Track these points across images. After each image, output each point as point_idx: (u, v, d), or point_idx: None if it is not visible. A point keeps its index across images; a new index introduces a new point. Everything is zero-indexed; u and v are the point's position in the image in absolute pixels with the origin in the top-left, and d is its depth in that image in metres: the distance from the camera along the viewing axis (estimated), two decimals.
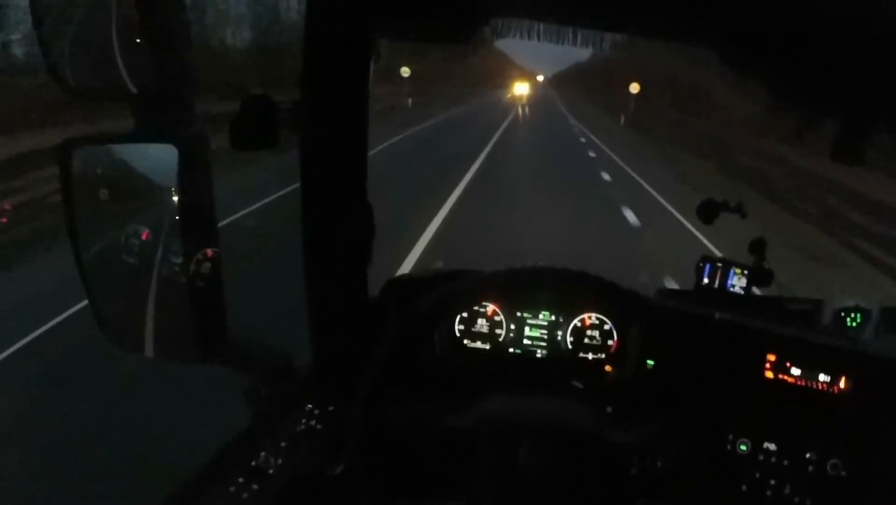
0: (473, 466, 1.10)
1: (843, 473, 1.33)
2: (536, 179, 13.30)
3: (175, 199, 0.95)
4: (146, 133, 0.97)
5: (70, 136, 1.00)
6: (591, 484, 1.09)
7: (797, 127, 1.24)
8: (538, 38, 1.09)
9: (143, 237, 1.03)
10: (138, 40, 0.92)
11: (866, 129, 1.13)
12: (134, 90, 0.94)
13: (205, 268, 0.96)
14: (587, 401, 1.21)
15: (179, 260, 0.97)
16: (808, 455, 1.35)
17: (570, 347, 1.49)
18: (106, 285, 1.07)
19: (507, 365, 1.49)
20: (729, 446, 1.37)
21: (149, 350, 1.13)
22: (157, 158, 0.96)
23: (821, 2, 0.92)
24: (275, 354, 1.23)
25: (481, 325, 1.52)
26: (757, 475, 1.36)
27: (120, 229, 1.04)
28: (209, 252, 0.96)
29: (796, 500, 1.34)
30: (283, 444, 1.15)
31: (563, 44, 1.08)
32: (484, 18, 1.10)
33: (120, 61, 0.95)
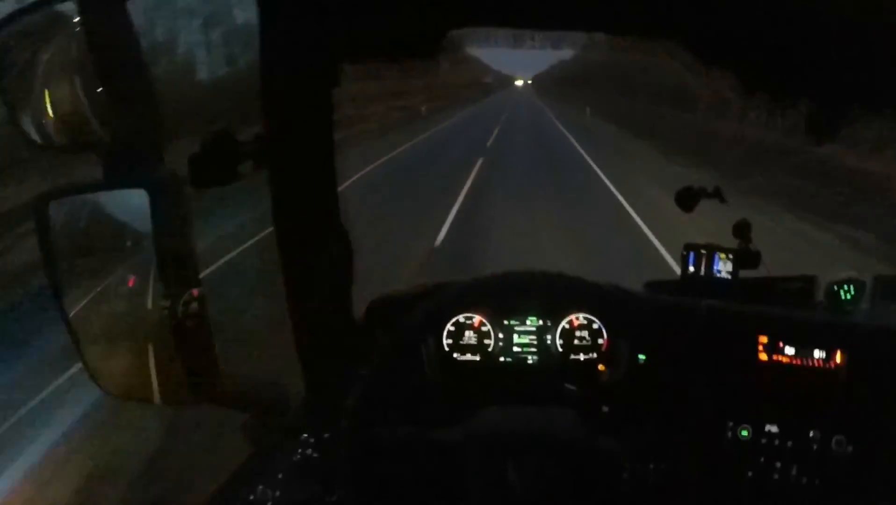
0: (465, 481, 1.09)
1: (849, 449, 1.32)
2: None
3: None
4: (117, 180, 0.97)
5: (43, 191, 1.00)
6: (582, 494, 1.08)
7: (768, 109, 1.25)
8: (497, 44, 1.10)
9: (130, 284, 1.03)
10: (100, 89, 0.92)
11: (838, 110, 1.14)
12: (102, 139, 0.94)
13: (192, 308, 0.96)
14: (582, 404, 1.20)
15: (167, 303, 0.96)
16: (811, 434, 1.34)
17: (560, 350, 1.48)
18: (97, 336, 1.07)
19: (498, 375, 1.48)
20: (730, 434, 1.36)
21: (144, 395, 1.13)
22: (132, 204, 0.96)
23: None
24: (267, 387, 1.23)
25: (469, 337, 1.51)
26: (761, 460, 1.35)
27: (106, 279, 1.03)
28: (195, 292, 0.96)
29: (804, 480, 1.33)
30: (280, 475, 1.14)
31: (521, 48, 1.09)
32: (440, 31, 1.11)
33: (85, 112, 0.95)
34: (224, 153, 1.09)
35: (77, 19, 0.91)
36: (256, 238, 7.75)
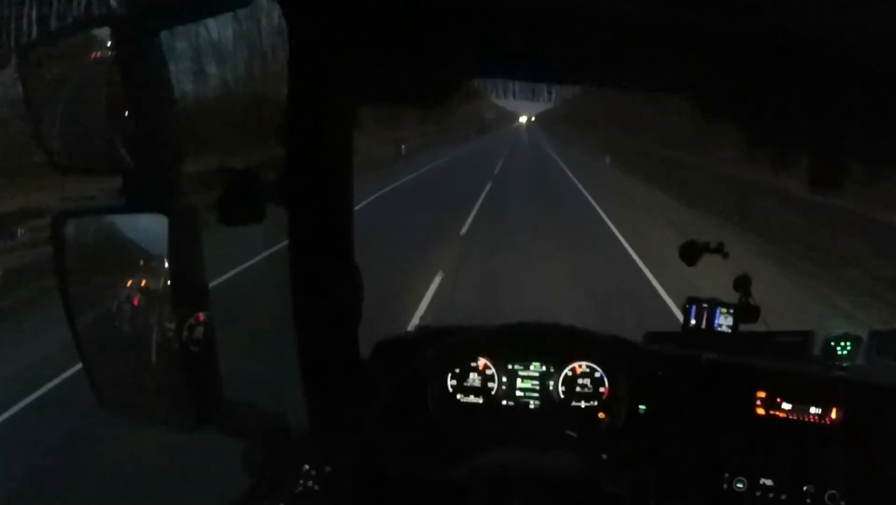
0: None
1: (842, 503, 1.33)
2: None
3: (166, 266, 0.97)
4: (137, 204, 0.99)
5: (63, 209, 1.02)
6: None
7: (773, 163, 1.28)
8: (514, 97, 1.13)
9: (135, 303, 1.04)
10: (126, 114, 0.94)
11: (841, 162, 1.17)
12: (124, 163, 0.96)
13: (197, 332, 0.97)
14: (581, 450, 1.21)
15: (173, 325, 0.97)
16: (805, 488, 1.35)
17: (562, 396, 1.49)
18: (100, 352, 1.08)
19: (500, 418, 1.49)
20: (725, 486, 1.37)
21: (143, 415, 1.14)
22: (147, 228, 0.98)
23: (790, 48, 0.96)
24: (270, 417, 1.23)
25: (473, 379, 1.52)
26: None
27: (113, 297, 1.05)
28: (201, 317, 0.97)
29: None
30: None
31: (538, 101, 1.12)
32: (458, 82, 1.14)
33: (110, 136, 0.97)
34: (250, 193, 1.12)
35: (110, 44, 0.93)
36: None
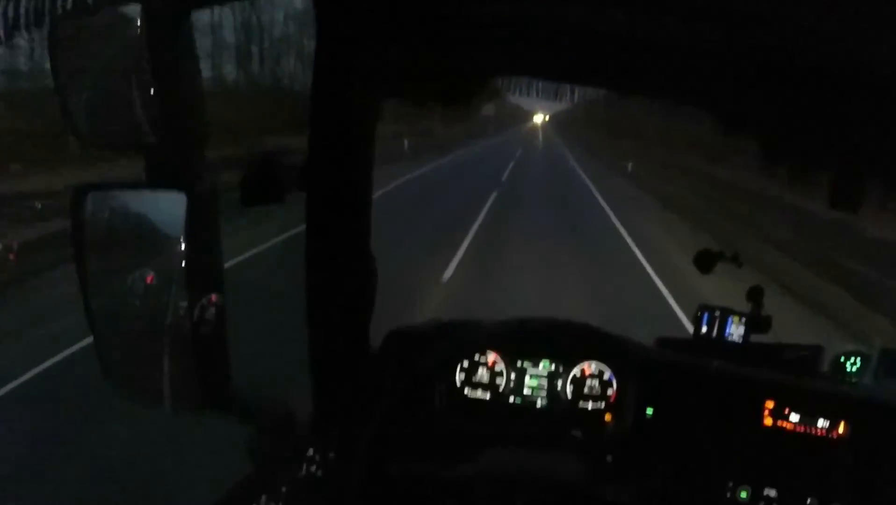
0: None
1: None
2: None
3: (182, 245, 0.97)
4: (158, 181, 1.00)
5: (83, 182, 1.03)
6: None
7: (790, 176, 1.27)
8: (537, 95, 1.13)
9: (148, 281, 1.04)
10: (153, 92, 0.95)
11: (861, 179, 1.16)
12: (148, 140, 0.97)
13: (209, 314, 0.97)
14: (587, 451, 1.21)
15: (184, 305, 0.97)
16: (808, 501, 1.34)
17: (570, 396, 1.49)
18: (111, 329, 1.08)
19: (507, 415, 1.49)
20: (729, 494, 1.37)
21: (149, 396, 1.14)
22: (166, 206, 0.98)
23: (811, 60, 0.96)
24: (276, 401, 1.24)
25: (482, 374, 1.52)
26: None
27: (127, 274, 1.05)
28: (213, 298, 0.97)
29: None
30: (283, 489, 1.15)
31: (561, 101, 1.12)
32: (484, 80, 1.14)
33: (136, 113, 0.98)
34: (272, 176, 1.12)
35: (140, 22, 0.94)
36: None
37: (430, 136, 36.64)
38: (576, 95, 1.17)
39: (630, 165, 29.85)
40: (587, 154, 42.01)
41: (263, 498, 1.11)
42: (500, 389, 1.51)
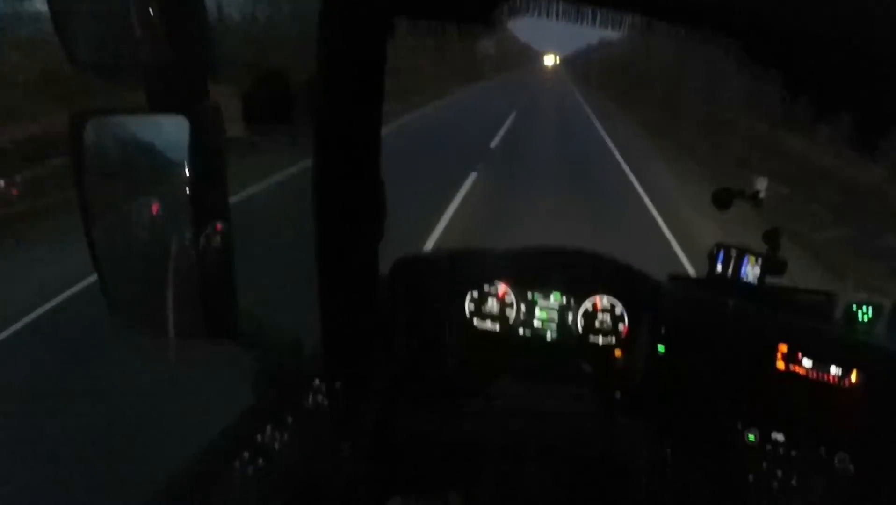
0: (480, 460, 1.09)
1: (851, 467, 1.32)
2: None
3: (186, 172, 0.95)
4: (158, 106, 0.97)
5: (82, 109, 1.00)
6: (597, 483, 1.08)
7: (813, 117, 1.23)
8: (557, 17, 1.07)
9: (153, 210, 1.03)
10: (151, 13, 0.91)
11: (881, 122, 1.12)
12: (147, 64, 0.93)
13: (215, 242, 0.96)
14: (595, 386, 1.21)
15: (189, 234, 0.96)
16: (815, 448, 1.34)
17: (580, 330, 1.48)
18: (115, 260, 1.07)
19: (516, 348, 1.48)
20: (736, 436, 1.36)
21: (156, 326, 1.14)
22: (169, 132, 0.96)
23: None
24: (283, 330, 1.23)
25: (491, 305, 1.50)
26: (764, 466, 1.35)
27: (130, 203, 1.03)
28: (218, 226, 0.96)
29: (803, 492, 1.33)
30: (289, 419, 1.15)
31: (582, 24, 1.07)
32: None
33: (136, 35, 0.94)
34: (277, 92, 1.08)
35: None
36: None
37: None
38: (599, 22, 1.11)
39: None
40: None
41: (269, 428, 1.11)
42: (510, 321, 1.49)
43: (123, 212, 1.04)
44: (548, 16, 1.08)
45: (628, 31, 1.16)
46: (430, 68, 32.60)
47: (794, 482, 1.33)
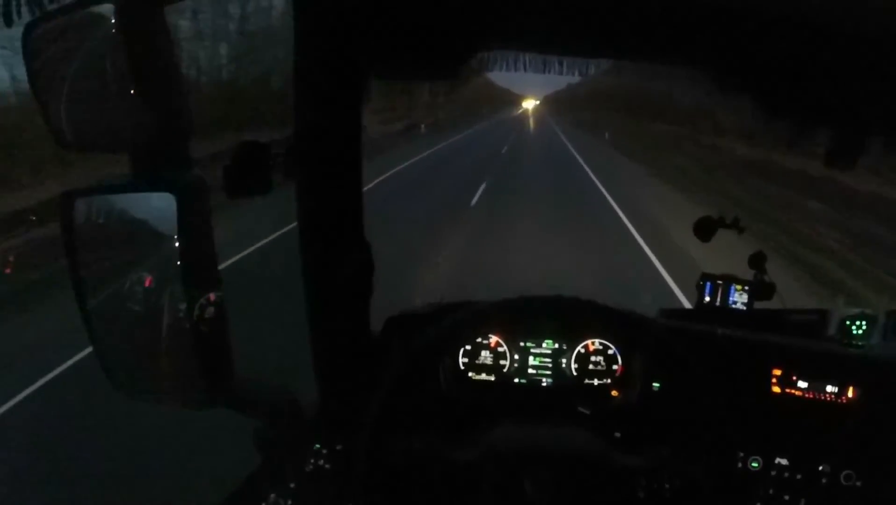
0: (480, 497, 1.08)
1: (858, 484, 1.31)
2: None
3: (176, 245, 0.96)
4: (145, 182, 0.99)
5: (71, 188, 1.02)
6: None
7: (789, 137, 1.26)
8: (525, 69, 1.11)
9: (147, 284, 1.04)
10: (133, 91, 0.93)
11: (858, 138, 1.15)
12: (131, 141, 0.95)
13: (209, 312, 0.96)
14: (594, 427, 1.20)
15: (184, 305, 0.97)
16: (820, 467, 1.33)
17: (574, 373, 1.48)
18: (111, 334, 1.07)
19: (512, 395, 1.48)
20: (740, 464, 1.36)
21: (156, 396, 1.14)
22: (156, 207, 0.97)
23: (808, 20, 0.94)
24: (281, 395, 1.23)
25: (485, 357, 1.51)
26: (770, 491, 1.35)
27: (123, 278, 1.04)
28: (212, 296, 0.97)
29: None
30: (291, 485, 1.14)
31: (549, 73, 1.10)
32: (470, 53, 1.12)
33: (117, 114, 0.96)
34: (257, 163, 1.10)
35: (114, 21, 0.92)
36: None
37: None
38: (565, 69, 1.15)
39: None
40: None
41: (272, 497, 1.10)
42: (505, 371, 1.50)
43: (118, 286, 1.05)
44: (515, 69, 1.11)
45: (595, 74, 1.19)
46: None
47: (802, 504, 1.32)
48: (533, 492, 1.05)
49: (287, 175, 1.17)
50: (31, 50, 1.00)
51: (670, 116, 29.23)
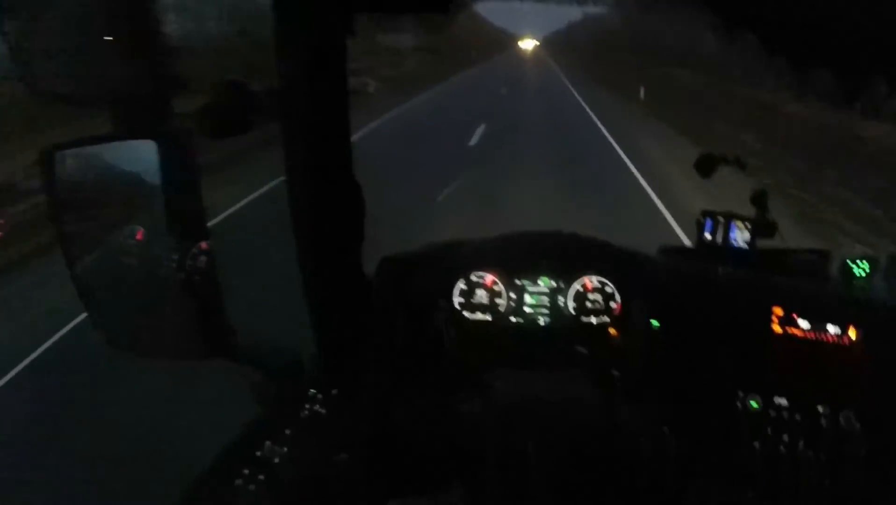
0: (481, 451, 1.09)
1: (857, 425, 1.31)
2: None
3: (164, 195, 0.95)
4: (127, 131, 0.96)
5: (53, 142, 0.99)
6: (600, 475, 1.08)
7: (792, 75, 1.23)
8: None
9: (139, 237, 1.02)
10: (110, 39, 0.90)
11: (860, 78, 1.12)
12: (111, 91, 0.93)
13: (200, 262, 0.96)
14: (593, 367, 1.19)
15: (177, 256, 0.96)
16: (819, 408, 1.33)
17: (572, 312, 1.46)
18: (105, 290, 1.06)
19: (509, 336, 1.47)
20: (739, 404, 1.36)
21: (153, 350, 1.13)
22: (142, 158, 0.95)
23: None
24: (279, 344, 1.22)
25: (481, 296, 1.48)
26: (769, 432, 1.35)
27: (116, 232, 1.03)
28: (203, 245, 0.96)
29: (810, 454, 1.32)
30: (287, 431, 1.14)
31: (548, 2, 1.05)
32: None
33: (96, 63, 0.93)
34: (237, 103, 1.08)
35: None
36: None
37: None
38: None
39: None
40: None
41: (268, 444, 1.11)
42: (501, 310, 1.48)
43: (111, 241, 1.03)
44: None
45: (594, 7, 1.13)
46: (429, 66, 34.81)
47: (801, 445, 1.33)
48: (536, 456, 1.05)
49: (271, 117, 1.13)
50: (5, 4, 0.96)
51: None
